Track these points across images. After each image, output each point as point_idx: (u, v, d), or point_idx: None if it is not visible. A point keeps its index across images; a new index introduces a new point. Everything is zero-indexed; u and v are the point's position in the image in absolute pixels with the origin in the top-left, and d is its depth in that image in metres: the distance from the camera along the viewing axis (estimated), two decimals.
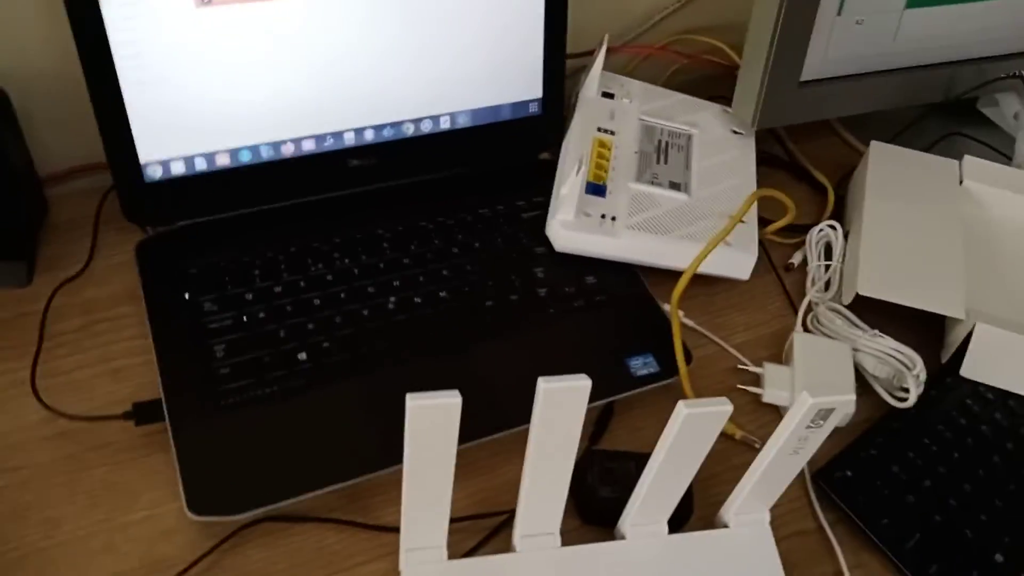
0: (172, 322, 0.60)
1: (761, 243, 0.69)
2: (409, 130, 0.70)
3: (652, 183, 0.70)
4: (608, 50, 0.77)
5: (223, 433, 0.54)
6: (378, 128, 0.69)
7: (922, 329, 0.65)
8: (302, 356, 0.59)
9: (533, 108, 0.73)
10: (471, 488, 0.56)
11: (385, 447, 0.54)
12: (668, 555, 0.51)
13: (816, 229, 0.72)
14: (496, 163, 0.74)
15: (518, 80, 0.72)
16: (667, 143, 0.74)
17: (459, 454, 0.44)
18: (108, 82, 0.59)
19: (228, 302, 0.61)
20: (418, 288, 0.64)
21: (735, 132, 0.77)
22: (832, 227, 0.71)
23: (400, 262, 0.66)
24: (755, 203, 0.70)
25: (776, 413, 0.62)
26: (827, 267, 0.70)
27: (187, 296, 0.61)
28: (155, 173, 0.64)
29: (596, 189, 0.68)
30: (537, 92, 0.73)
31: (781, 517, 0.56)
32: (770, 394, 0.61)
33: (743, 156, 0.75)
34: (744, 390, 0.63)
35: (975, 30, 0.76)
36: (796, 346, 0.62)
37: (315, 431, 0.55)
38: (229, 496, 0.52)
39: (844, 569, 0.54)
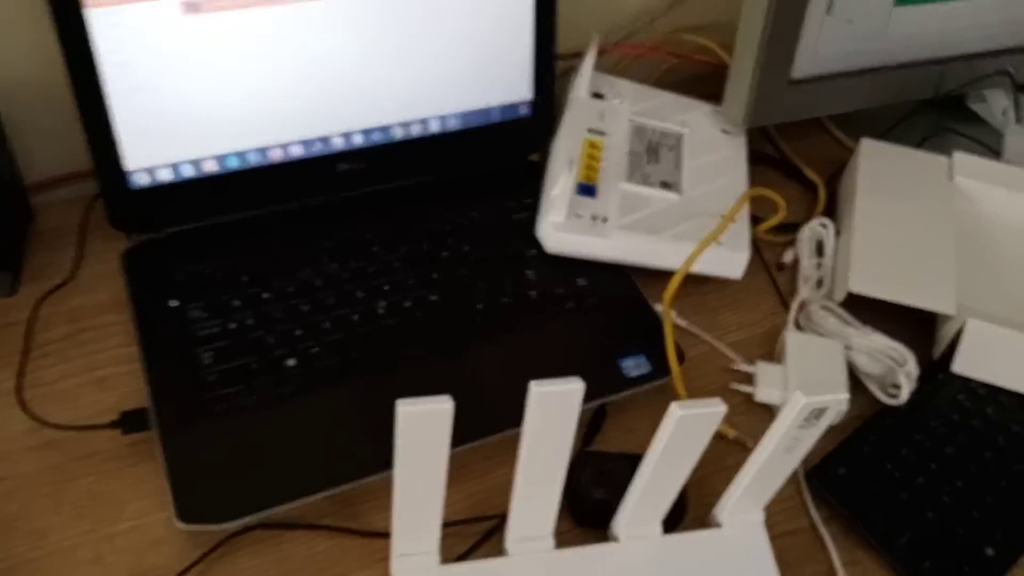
0: (159, 330, 0.59)
1: (752, 242, 0.69)
2: (398, 134, 0.69)
3: (643, 183, 0.70)
4: (598, 50, 0.76)
5: (211, 441, 0.54)
6: (367, 132, 0.68)
7: (914, 325, 0.65)
8: (291, 362, 0.58)
9: (523, 110, 0.73)
10: (463, 492, 0.55)
11: (376, 452, 0.53)
12: (663, 556, 0.51)
13: (807, 227, 0.72)
14: (486, 166, 0.73)
15: (507, 82, 0.71)
16: (658, 143, 0.74)
17: (451, 457, 0.44)
18: (93, 89, 0.59)
19: (216, 309, 0.61)
20: (408, 292, 0.64)
21: (726, 131, 0.77)
22: (823, 225, 0.71)
23: (390, 266, 0.65)
24: (747, 202, 0.69)
25: (769, 412, 0.62)
26: (819, 265, 0.70)
27: (174, 303, 0.61)
28: (141, 180, 0.63)
29: (587, 190, 0.68)
30: (527, 94, 0.73)
31: (775, 516, 0.55)
32: (763, 393, 0.61)
33: (734, 155, 0.75)
34: (737, 389, 0.62)
35: (964, 27, 0.76)
36: (788, 345, 0.62)
37: (305, 437, 0.55)
38: (218, 504, 0.51)
39: (838, 567, 0.54)
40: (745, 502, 0.51)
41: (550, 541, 0.50)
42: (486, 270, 0.66)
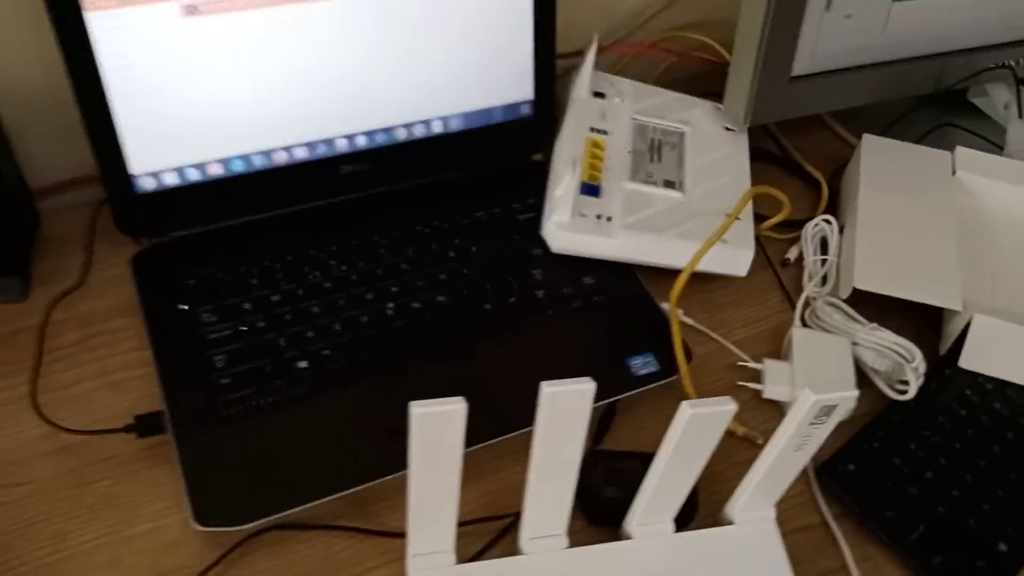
0: (171, 334, 0.60)
1: (757, 239, 0.70)
2: (401, 135, 0.70)
3: (646, 182, 0.70)
4: (598, 49, 0.77)
5: (226, 443, 0.54)
6: (370, 134, 0.68)
7: (918, 321, 0.66)
8: (303, 364, 0.59)
9: (525, 110, 0.73)
10: (476, 491, 0.56)
11: (389, 453, 0.54)
12: (675, 554, 0.51)
13: (811, 224, 0.72)
14: (489, 166, 0.74)
15: (509, 82, 0.72)
16: (660, 141, 0.74)
17: (463, 458, 0.44)
18: (96, 95, 0.59)
19: (226, 312, 0.61)
20: (416, 293, 0.64)
21: (727, 129, 0.77)
22: (827, 221, 0.72)
23: (397, 268, 0.66)
24: (750, 200, 0.70)
25: (777, 409, 0.63)
26: (823, 261, 0.70)
27: (185, 307, 0.61)
28: (147, 185, 0.63)
29: (591, 189, 0.68)
30: (528, 94, 0.73)
31: (785, 512, 0.56)
32: (771, 390, 0.61)
33: (736, 153, 0.76)
34: (745, 387, 0.63)
35: (964, 21, 0.77)
36: (795, 341, 0.63)
37: (319, 439, 0.55)
38: (234, 506, 0.51)
39: (850, 562, 0.54)
40: (756, 499, 0.52)
41: (564, 540, 0.51)
42: (493, 270, 0.66)
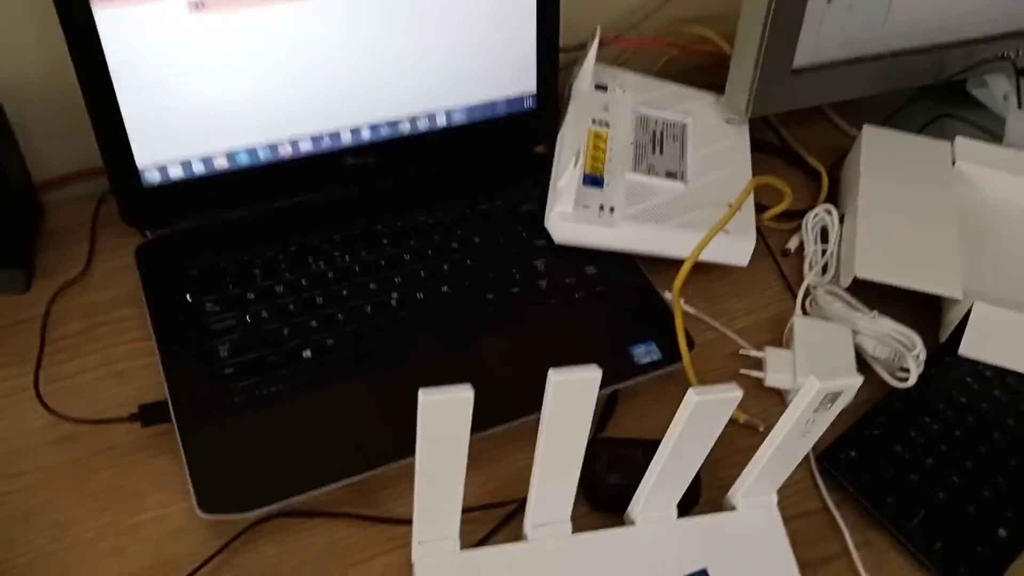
0: (175, 324, 0.60)
1: (757, 229, 0.70)
2: (405, 128, 0.70)
3: (649, 173, 0.70)
4: (599, 43, 0.77)
5: (230, 432, 0.54)
6: (374, 127, 0.69)
7: (917, 309, 0.66)
8: (306, 354, 0.59)
9: (528, 103, 0.74)
10: (480, 478, 0.56)
11: (393, 441, 0.54)
12: (679, 539, 0.51)
13: (812, 214, 0.73)
14: (492, 158, 0.74)
15: (512, 75, 0.72)
16: (662, 133, 0.75)
17: None
18: (103, 88, 0.59)
19: (230, 302, 0.61)
20: (419, 284, 0.64)
21: (728, 120, 0.78)
22: (827, 211, 0.72)
23: (400, 258, 0.66)
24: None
25: (778, 396, 0.63)
26: (824, 251, 0.71)
27: (189, 298, 0.61)
28: (153, 177, 0.64)
29: (593, 181, 0.69)
30: (531, 87, 0.73)
31: (787, 498, 0.56)
32: (772, 378, 0.62)
33: (737, 144, 0.76)
34: (746, 375, 0.63)
35: (964, 12, 0.77)
36: (796, 330, 0.63)
37: (323, 427, 0.55)
38: (239, 494, 0.52)
39: (851, 547, 0.55)
40: (759, 485, 0.52)
41: (568, 525, 0.51)
42: (496, 261, 0.67)
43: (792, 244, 0.73)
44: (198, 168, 0.64)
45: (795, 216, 0.74)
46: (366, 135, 0.69)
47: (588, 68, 0.76)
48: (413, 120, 0.70)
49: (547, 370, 0.43)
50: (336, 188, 0.69)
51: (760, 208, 0.73)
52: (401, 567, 0.52)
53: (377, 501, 0.55)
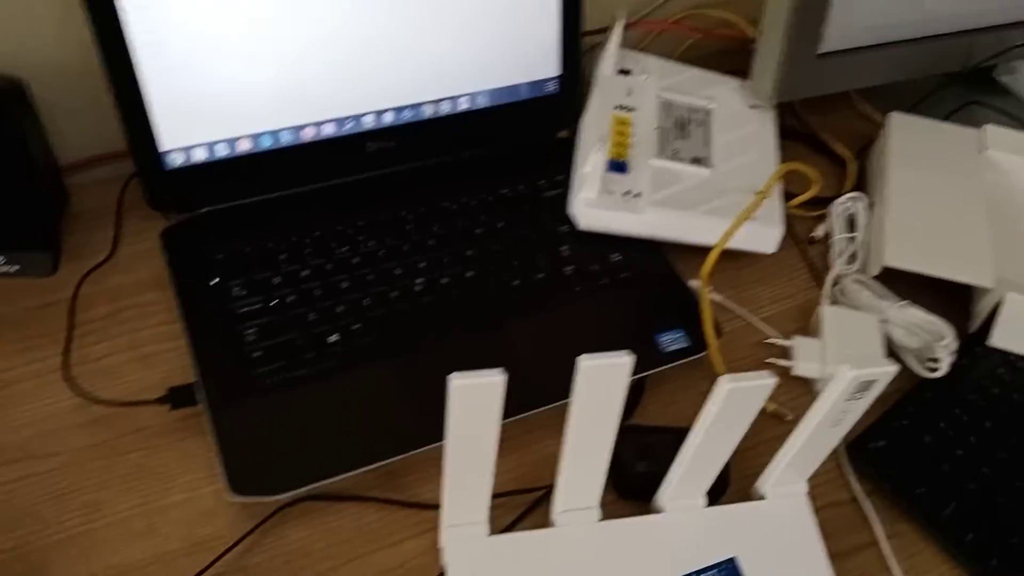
0: (202, 308, 0.60)
1: (784, 216, 0.69)
2: (428, 112, 0.70)
3: (674, 159, 0.70)
4: (623, 26, 0.76)
5: (259, 415, 0.55)
6: (397, 110, 0.68)
7: (945, 298, 0.66)
8: (333, 338, 0.59)
9: (551, 87, 0.73)
10: (507, 465, 0.56)
11: (420, 426, 0.54)
12: (708, 527, 0.51)
13: (839, 201, 0.72)
14: (515, 143, 0.74)
15: (535, 59, 0.71)
16: (687, 118, 0.74)
17: None
18: (127, 70, 0.59)
19: (256, 287, 0.61)
20: (444, 269, 0.64)
21: (754, 106, 0.77)
22: (855, 199, 0.71)
23: (425, 244, 0.66)
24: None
25: (806, 385, 0.63)
26: (851, 239, 0.70)
27: (215, 282, 0.61)
28: (176, 160, 0.63)
29: (618, 166, 0.68)
30: (554, 70, 0.73)
31: (816, 488, 0.56)
32: (801, 367, 0.61)
33: (763, 130, 0.75)
34: (774, 363, 0.63)
35: None
36: (824, 318, 0.62)
37: (350, 411, 0.55)
38: (268, 477, 0.52)
39: (880, 538, 0.55)
40: (789, 474, 0.52)
41: (596, 512, 0.51)
42: (520, 247, 0.66)
43: (819, 232, 0.72)
44: (222, 151, 0.64)
45: (821, 204, 0.73)
46: (389, 119, 0.68)
47: (612, 52, 0.76)
48: (436, 103, 0.69)
49: (573, 357, 0.43)
50: (359, 172, 0.69)
51: (786, 196, 0.72)
52: (428, 551, 0.52)
53: (405, 486, 0.55)
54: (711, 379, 0.53)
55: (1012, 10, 0.77)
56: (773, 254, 0.69)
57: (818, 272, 0.70)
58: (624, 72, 0.76)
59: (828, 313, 0.63)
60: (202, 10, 0.59)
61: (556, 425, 0.52)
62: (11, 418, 0.56)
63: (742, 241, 0.67)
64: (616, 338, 0.61)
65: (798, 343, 0.62)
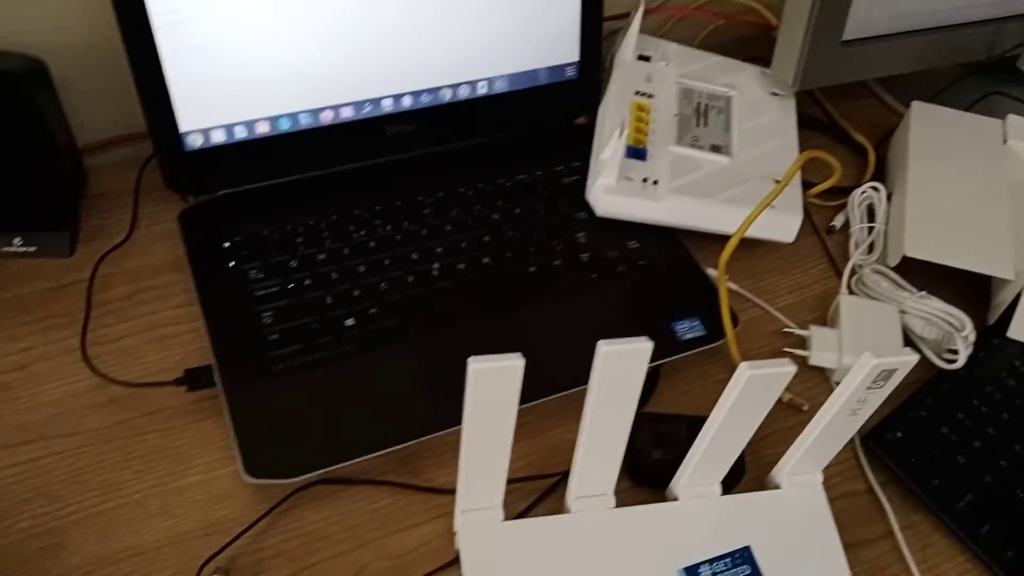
0: (219, 290, 0.60)
1: (803, 206, 0.69)
2: (446, 96, 0.69)
3: (693, 146, 0.69)
4: (643, 12, 0.76)
5: (275, 398, 0.55)
6: (416, 94, 0.68)
7: (965, 290, 0.65)
8: (350, 322, 0.59)
9: (570, 72, 0.73)
10: (521, 451, 0.56)
11: (435, 411, 0.54)
12: (723, 515, 0.51)
13: (858, 191, 0.71)
14: (533, 128, 0.73)
15: (555, 44, 0.71)
16: (706, 105, 0.73)
17: None
18: (148, 51, 0.59)
19: (273, 270, 0.61)
20: (461, 254, 0.64)
21: (774, 94, 0.76)
22: (875, 188, 0.71)
23: (442, 228, 0.66)
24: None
25: (822, 376, 0.62)
26: (870, 229, 0.69)
27: (232, 264, 0.62)
28: (195, 142, 0.63)
29: (636, 153, 0.68)
30: (574, 56, 0.72)
31: (831, 479, 0.56)
32: (817, 357, 0.61)
33: (784, 118, 0.75)
34: (790, 353, 0.62)
35: None
36: (843, 308, 0.62)
37: (366, 395, 0.55)
38: (284, 459, 0.52)
39: (895, 529, 0.54)
40: (805, 464, 0.52)
41: (611, 499, 0.51)
42: (537, 233, 0.66)
43: (838, 222, 0.72)
44: (240, 133, 0.64)
45: (840, 193, 0.73)
46: (407, 102, 0.68)
47: (631, 38, 0.75)
48: (454, 88, 0.69)
49: (588, 344, 0.43)
50: (377, 156, 0.69)
51: (805, 184, 0.72)
52: (442, 536, 0.52)
53: (419, 471, 0.55)
54: (726, 369, 0.53)
55: None
56: (791, 243, 0.69)
57: (837, 262, 0.70)
58: (644, 58, 0.76)
59: (846, 303, 0.62)
60: None
61: (571, 412, 0.52)
62: (30, 398, 0.56)
63: (761, 230, 0.67)
64: (632, 326, 0.61)
65: (815, 333, 0.62)
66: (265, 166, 0.66)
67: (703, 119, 0.72)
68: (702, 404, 0.58)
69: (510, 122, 0.72)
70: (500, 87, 0.71)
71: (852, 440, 0.58)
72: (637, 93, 0.72)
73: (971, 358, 0.60)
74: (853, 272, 0.67)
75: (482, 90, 0.70)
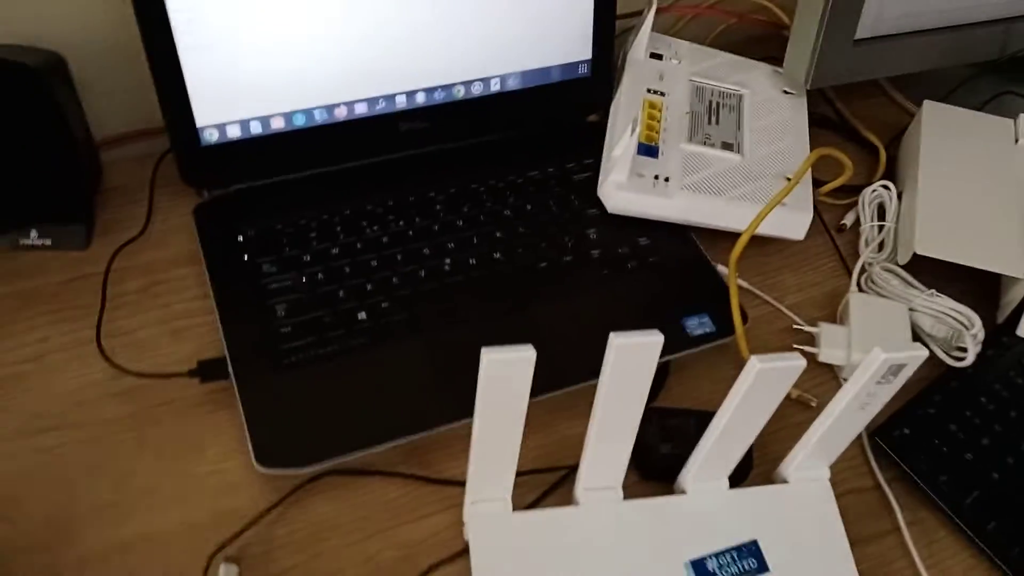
0: (233, 283, 0.61)
1: (812, 204, 0.69)
2: (460, 93, 0.70)
3: (704, 144, 0.70)
4: (655, 10, 0.76)
5: (287, 389, 0.55)
6: (429, 91, 0.69)
7: (975, 288, 0.65)
8: (362, 315, 0.59)
9: (582, 70, 0.73)
10: (529, 444, 0.56)
11: (445, 404, 0.55)
12: (730, 509, 0.52)
13: (869, 189, 0.72)
14: (545, 125, 0.74)
15: (567, 42, 0.71)
16: (718, 104, 0.74)
17: None
18: (165, 47, 0.60)
19: (286, 263, 0.62)
20: (472, 250, 0.65)
21: (786, 92, 0.77)
22: (885, 187, 0.71)
23: (454, 224, 0.66)
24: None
25: (831, 372, 0.63)
26: (880, 228, 0.70)
27: (246, 258, 0.62)
28: (211, 137, 0.64)
29: (648, 150, 0.68)
30: (586, 53, 0.73)
31: (838, 475, 0.56)
32: (826, 353, 0.61)
33: (795, 116, 0.75)
34: (799, 350, 0.63)
35: None
36: (852, 305, 0.62)
37: (377, 388, 0.56)
38: (295, 450, 0.53)
39: (902, 525, 0.55)
40: (813, 459, 0.52)
41: (619, 492, 0.51)
42: (548, 229, 0.67)
43: (848, 220, 0.72)
44: (255, 128, 0.65)
45: (851, 192, 0.73)
46: (421, 99, 0.69)
47: (644, 36, 0.75)
48: (468, 85, 0.70)
49: (599, 339, 0.43)
50: (390, 152, 0.70)
51: (816, 183, 0.72)
52: (452, 527, 0.53)
53: (429, 463, 0.55)
54: (736, 365, 0.53)
55: None
56: (801, 241, 0.69)
57: (847, 260, 0.70)
58: (656, 56, 0.76)
59: (856, 300, 0.63)
60: None
61: (580, 407, 0.52)
62: (45, 388, 0.57)
63: (771, 227, 0.67)
64: (642, 321, 0.60)
65: (824, 330, 0.62)
66: (280, 161, 0.67)
67: (715, 117, 0.72)
68: (711, 400, 0.58)
69: (523, 119, 0.73)
70: (513, 84, 0.71)
71: (860, 436, 0.58)
72: (649, 91, 0.73)
73: (980, 356, 0.60)
74: (863, 270, 0.67)
75: (495, 87, 0.71)
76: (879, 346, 0.44)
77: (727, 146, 0.70)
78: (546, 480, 0.55)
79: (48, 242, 0.65)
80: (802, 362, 0.44)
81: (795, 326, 0.64)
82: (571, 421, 0.58)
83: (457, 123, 0.71)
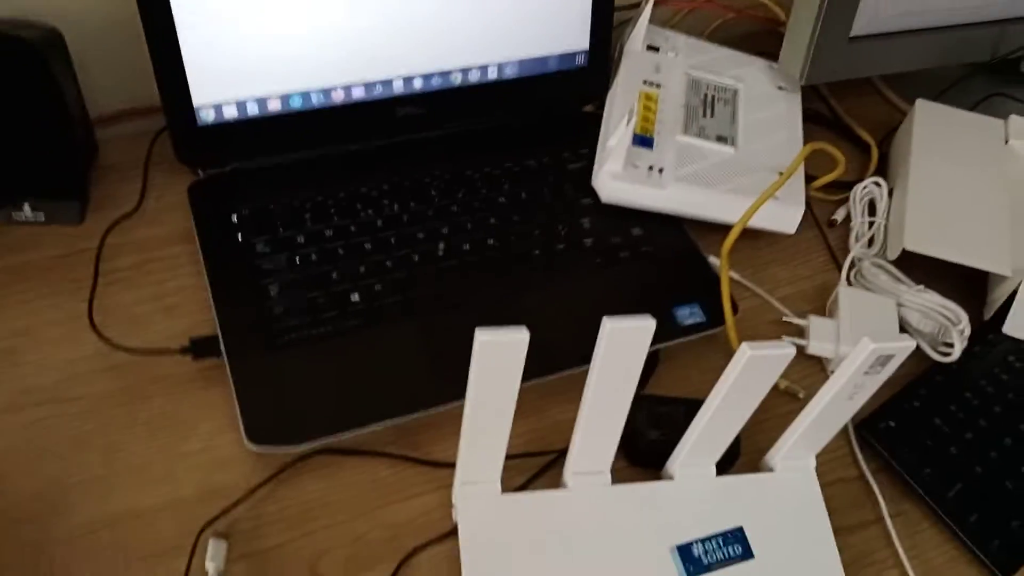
0: (226, 262, 0.61)
1: (805, 198, 0.70)
2: (457, 79, 0.70)
3: (699, 136, 0.70)
4: (653, 2, 0.76)
5: (279, 368, 0.55)
6: (426, 77, 0.69)
7: (960, 286, 0.66)
8: (354, 297, 0.60)
9: (579, 60, 0.73)
10: (521, 428, 0.57)
11: (436, 386, 0.55)
12: (716, 495, 0.52)
13: (860, 186, 0.72)
14: (542, 114, 0.74)
15: (565, 31, 0.72)
16: (713, 97, 0.74)
17: None
18: (164, 26, 0.60)
19: (280, 244, 0.62)
20: (466, 235, 0.65)
21: (781, 87, 0.77)
22: (877, 184, 0.72)
23: (448, 210, 0.66)
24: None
25: (819, 365, 0.63)
26: (871, 223, 0.70)
27: (240, 237, 0.62)
28: (208, 116, 0.64)
29: (643, 141, 0.69)
30: (584, 44, 0.73)
31: (824, 465, 0.57)
32: (815, 346, 0.62)
33: (789, 112, 0.75)
34: (788, 342, 0.63)
35: None
36: (841, 299, 0.63)
37: (369, 369, 0.56)
38: (286, 428, 0.53)
39: (885, 516, 0.55)
40: (799, 448, 0.53)
41: (607, 476, 0.52)
42: (542, 217, 0.67)
43: (839, 215, 0.73)
44: (252, 109, 0.65)
45: (842, 188, 0.74)
46: (418, 85, 0.69)
47: (641, 28, 0.76)
48: (465, 72, 0.70)
49: (590, 326, 0.44)
50: (386, 136, 0.70)
51: (808, 178, 0.72)
52: (440, 507, 0.53)
53: (419, 444, 0.56)
54: (725, 355, 0.54)
55: None
56: (792, 235, 0.70)
57: (837, 255, 0.70)
58: (653, 48, 0.76)
59: (845, 294, 0.63)
60: None
61: (570, 393, 0.52)
62: (37, 362, 0.57)
63: (763, 220, 0.67)
64: (634, 309, 0.60)
65: (813, 322, 0.63)
66: (275, 143, 0.67)
67: (710, 110, 0.73)
68: (700, 389, 0.58)
69: (519, 107, 0.73)
70: (510, 72, 0.71)
71: (846, 428, 0.59)
72: (645, 82, 0.73)
73: (966, 352, 0.61)
74: (852, 265, 0.68)
75: (492, 75, 0.71)
76: (872, 335, 0.45)
77: (721, 139, 0.71)
78: (536, 464, 0.55)
79: (42, 217, 0.65)
80: (792, 350, 0.45)
81: (785, 318, 0.65)
82: (562, 406, 0.58)
83: (454, 110, 0.71)
